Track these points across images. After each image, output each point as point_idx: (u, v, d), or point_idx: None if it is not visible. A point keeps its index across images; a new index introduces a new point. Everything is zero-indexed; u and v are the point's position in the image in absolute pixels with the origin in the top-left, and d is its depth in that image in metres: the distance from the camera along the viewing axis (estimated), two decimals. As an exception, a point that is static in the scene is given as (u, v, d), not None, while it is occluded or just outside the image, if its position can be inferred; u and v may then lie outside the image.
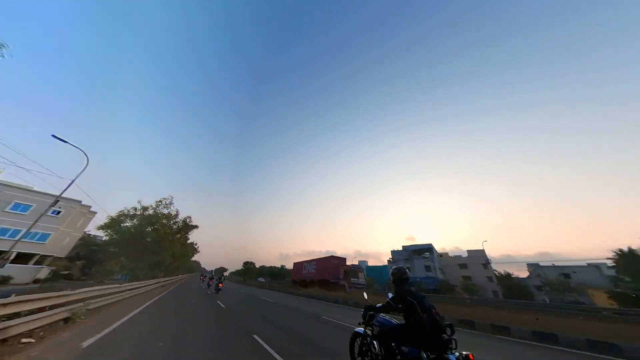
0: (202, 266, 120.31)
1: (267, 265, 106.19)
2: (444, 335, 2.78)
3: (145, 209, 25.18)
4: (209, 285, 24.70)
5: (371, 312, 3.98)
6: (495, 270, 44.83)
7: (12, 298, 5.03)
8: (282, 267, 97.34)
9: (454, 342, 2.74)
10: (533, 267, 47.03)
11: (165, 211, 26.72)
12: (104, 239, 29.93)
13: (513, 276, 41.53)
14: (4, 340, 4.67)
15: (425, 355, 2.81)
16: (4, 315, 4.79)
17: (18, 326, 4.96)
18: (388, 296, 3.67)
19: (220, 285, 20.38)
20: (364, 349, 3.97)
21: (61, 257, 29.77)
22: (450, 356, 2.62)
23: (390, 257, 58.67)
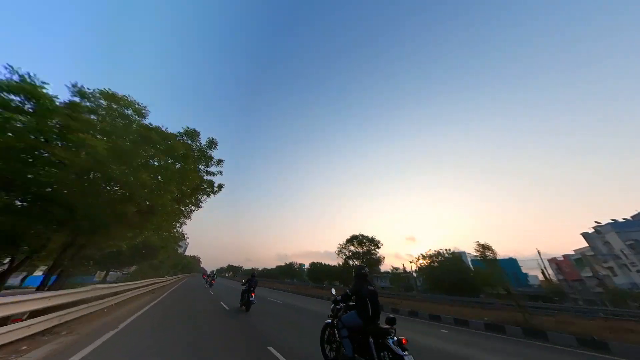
0: (201, 265, 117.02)
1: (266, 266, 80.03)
2: (387, 326, 3.76)
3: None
4: (206, 281, 32.67)
5: (338, 306, 4.80)
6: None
7: None
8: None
9: (394, 330, 3.77)
10: None
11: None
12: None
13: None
14: None
15: (372, 340, 3.76)
16: None
17: None
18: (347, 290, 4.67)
19: (213, 281, 29.02)
20: (330, 337, 4.76)
21: None
22: (389, 340, 3.59)
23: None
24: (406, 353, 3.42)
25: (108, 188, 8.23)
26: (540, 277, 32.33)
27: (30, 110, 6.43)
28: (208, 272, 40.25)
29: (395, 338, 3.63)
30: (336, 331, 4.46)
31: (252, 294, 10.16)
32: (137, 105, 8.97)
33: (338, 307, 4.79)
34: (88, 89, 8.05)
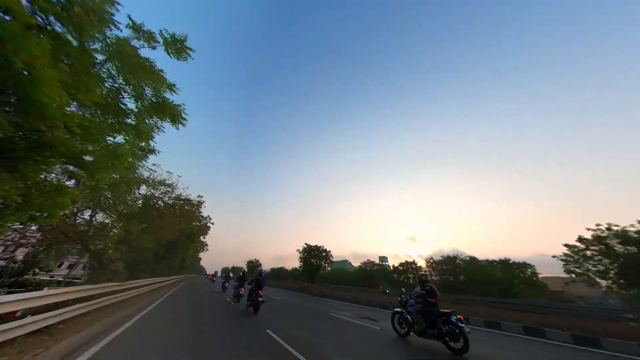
0: (200, 264, 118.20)
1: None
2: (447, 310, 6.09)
3: None
4: (210, 279, 39.68)
5: (405, 299, 7.01)
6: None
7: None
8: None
9: (454, 311, 5.81)
10: None
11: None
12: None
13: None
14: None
15: (438, 319, 5.95)
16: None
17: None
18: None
19: (214, 278, 36.57)
20: (400, 320, 6.86)
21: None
22: (452, 318, 5.60)
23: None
24: (464, 325, 5.20)
25: None
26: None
27: None
28: (211, 273, 51.75)
29: (455, 316, 5.41)
30: (408, 316, 6.47)
31: None
32: None
33: (405, 299, 6.88)
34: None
